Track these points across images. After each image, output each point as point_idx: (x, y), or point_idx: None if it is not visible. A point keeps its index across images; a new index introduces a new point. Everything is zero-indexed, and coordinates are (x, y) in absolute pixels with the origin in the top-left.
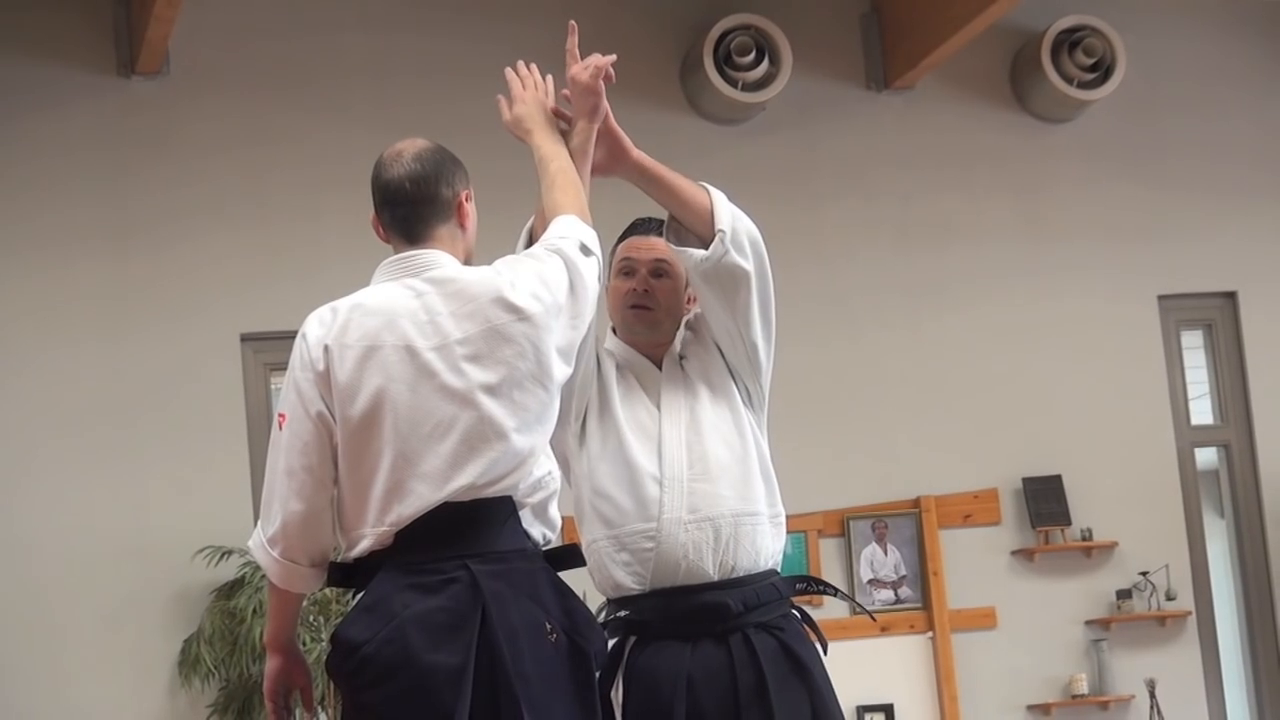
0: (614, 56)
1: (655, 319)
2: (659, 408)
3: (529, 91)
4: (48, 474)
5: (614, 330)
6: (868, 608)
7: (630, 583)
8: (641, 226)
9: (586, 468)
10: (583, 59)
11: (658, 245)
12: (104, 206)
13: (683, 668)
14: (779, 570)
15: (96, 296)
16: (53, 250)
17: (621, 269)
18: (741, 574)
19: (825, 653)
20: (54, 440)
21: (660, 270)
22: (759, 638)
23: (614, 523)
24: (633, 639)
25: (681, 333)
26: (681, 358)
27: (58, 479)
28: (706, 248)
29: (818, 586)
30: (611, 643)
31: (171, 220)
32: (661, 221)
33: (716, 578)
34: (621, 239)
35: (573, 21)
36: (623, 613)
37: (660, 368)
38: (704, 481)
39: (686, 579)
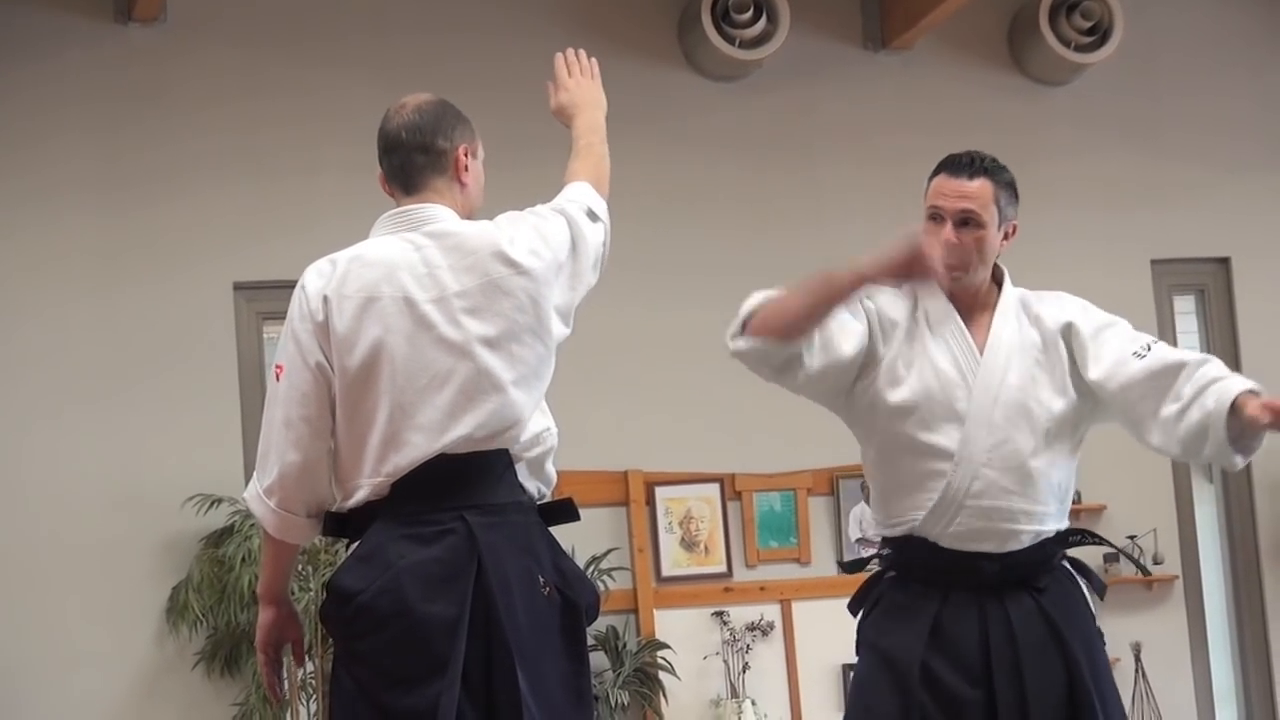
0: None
1: (960, 274)
2: (974, 378)
3: (574, 78)
4: (40, 422)
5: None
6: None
7: (890, 530)
8: (952, 165)
9: (869, 433)
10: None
11: (968, 190)
12: (98, 154)
13: (930, 615)
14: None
15: (90, 244)
16: (46, 200)
17: (929, 213)
18: (1005, 551)
19: (1102, 598)
20: (46, 389)
21: (967, 219)
22: (1014, 598)
23: (888, 493)
24: (892, 573)
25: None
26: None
27: (49, 427)
28: None
29: (1092, 539)
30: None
31: (166, 170)
32: (977, 159)
33: (979, 553)
34: (933, 175)
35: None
36: (886, 551)
37: (971, 316)
38: (998, 470)
39: (951, 545)
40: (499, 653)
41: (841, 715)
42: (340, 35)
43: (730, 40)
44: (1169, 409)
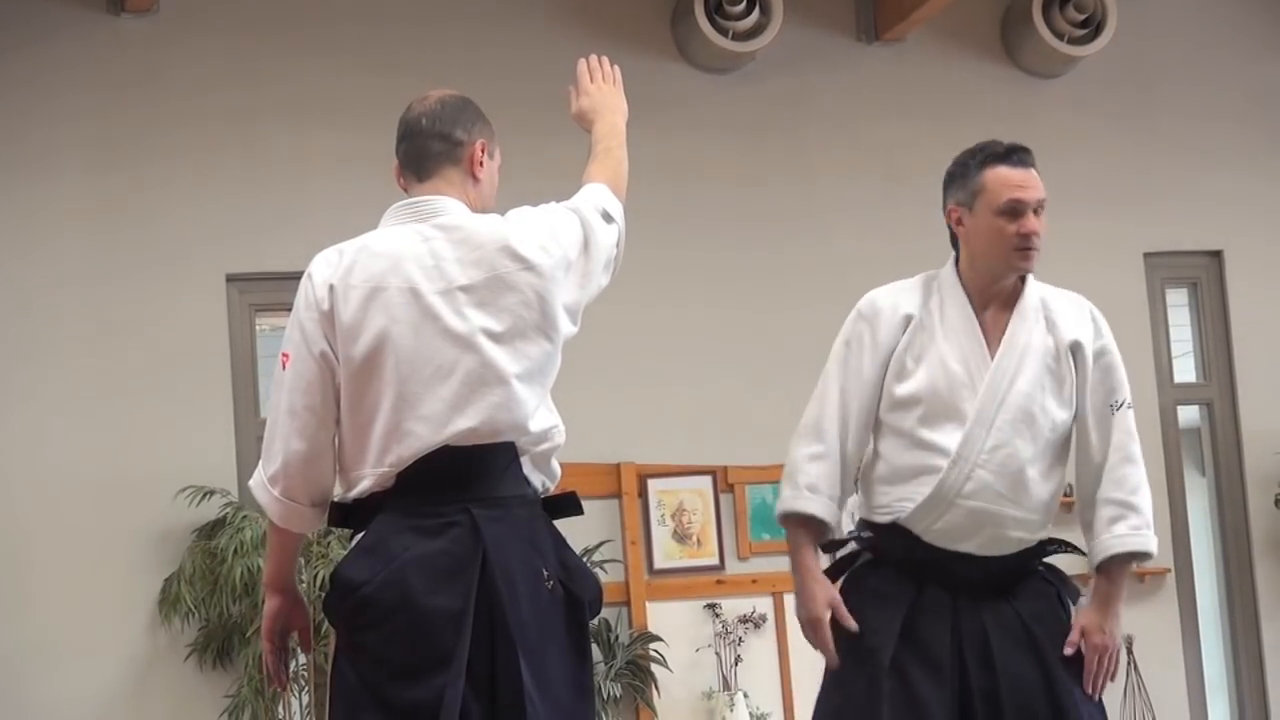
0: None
1: (1038, 259)
2: (983, 381)
3: (596, 84)
4: (30, 412)
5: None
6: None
7: (875, 515)
8: (1014, 157)
9: (897, 422)
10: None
11: (1036, 181)
12: (90, 145)
13: (905, 602)
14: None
15: (81, 235)
16: (37, 189)
17: (1007, 208)
18: (988, 555)
19: (1075, 604)
20: (38, 379)
21: (1041, 208)
22: (990, 604)
23: (884, 480)
24: (869, 555)
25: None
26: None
27: (40, 417)
28: None
29: (1070, 549)
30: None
31: (158, 160)
32: (1029, 150)
33: (961, 554)
34: (981, 164)
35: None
36: (867, 534)
37: (991, 310)
38: (993, 473)
39: (935, 541)
40: (503, 646)
41: None
42: (332, 25)
43: (723, 32)
44: (1091, 501)
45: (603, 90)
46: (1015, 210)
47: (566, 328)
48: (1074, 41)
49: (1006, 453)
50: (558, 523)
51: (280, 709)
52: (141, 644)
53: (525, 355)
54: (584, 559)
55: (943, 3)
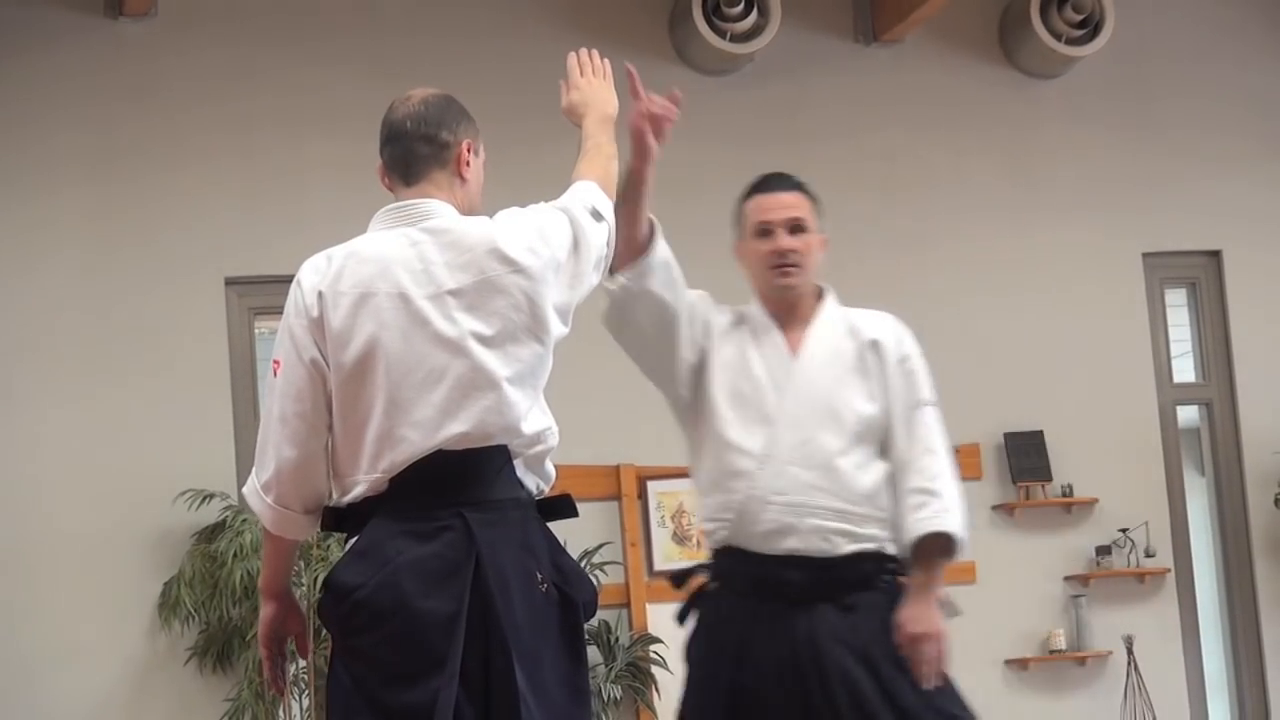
0: (675, 93)
1: (800, 275)
2: (786, 381)
3: (586, 78)
4: (30, 416)
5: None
6: None
7: (717, 536)
8: (766, 184)
9: (697, 437)
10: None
11: (788, 201)
12: (89, 149)
13: (739, 632)
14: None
15: (80, 239)
16: (36, 192)
17: (757, 230)
18: (815, 556)
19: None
20: (36, 382)
21: (797, 226)
22: (824, 615)
23: (704, 492)
24: (713, 584)
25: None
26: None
27: (40, 421)
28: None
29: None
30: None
31: (156, 164)
32: (789, 175)
33: (789, 555)
34: (746, 196)
35: (631, 67)
36: (713, 561)
37: (792, 328)
38: (802, 467)
39: (760, 549)
40: (497, 649)
41: None
42: (331, 30)
43: (721, 34)
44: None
45: (593, 84)
46: (765, 231)
47: (557, 329)
48: (1072, 42)
49: (814, 446)
50: (555, 525)
51: (281, 712)
52: (141, 648)
53: (516, 358)
54: (584, 561)
55: (940, 4)
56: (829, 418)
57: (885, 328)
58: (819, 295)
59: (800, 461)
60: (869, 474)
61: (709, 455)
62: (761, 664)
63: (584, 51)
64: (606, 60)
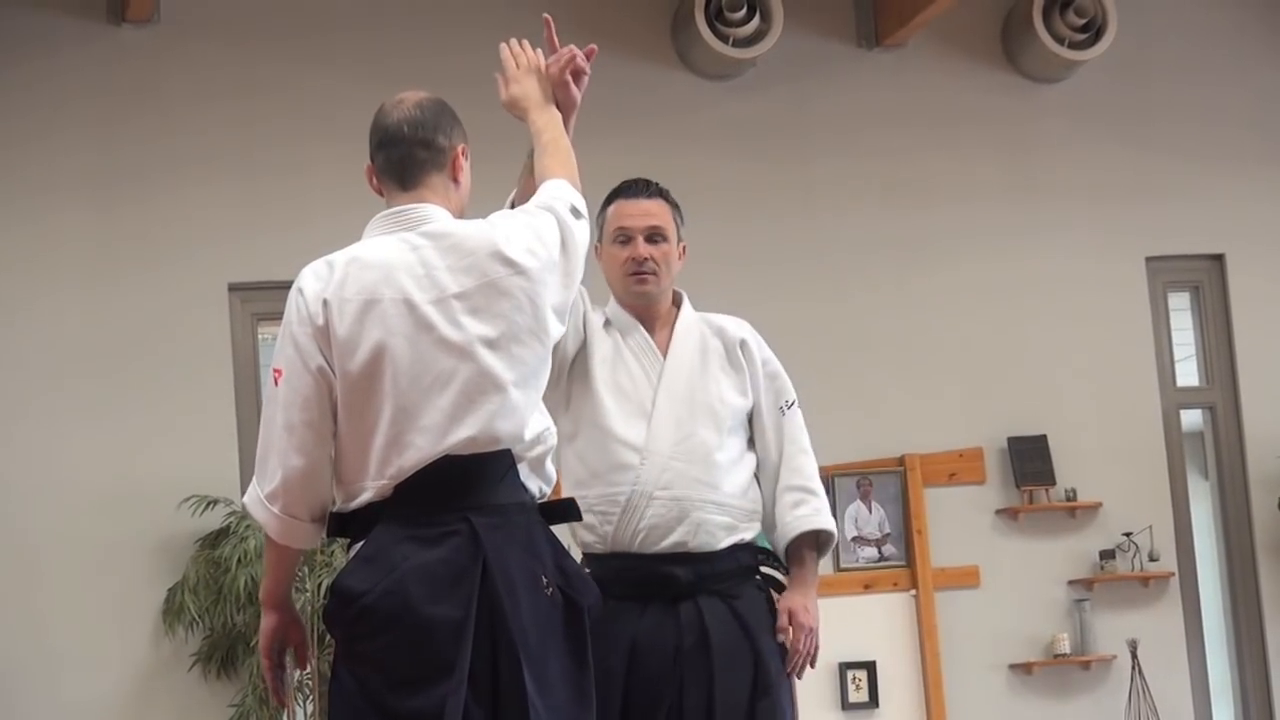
0: (592, 47)
1: (656, 283)
2: (659, 377)
3: (523, 70)
4: (34, 422)
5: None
6: (853, 565)
7: (591, 541)
8: (630, 189)
9: (571, 428)
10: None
11: (650, 209)
12: (91, 154)
13: (630, 630)
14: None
15: (83, 245)
16: (39, 199)
17: (616, 236)
18: (697, 550)
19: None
20: (41, 389)
21: (655, 235)
22: (709, 603)
23: (583, 484)
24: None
25: (708, 326)
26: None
27: (44, 427)
28: None
29: (772, 561)
30: None
31: (159, 169)
32: (651, 183)
33: (672, 552)
34: (609, 201)
35: (547, 15)
36: (587, 569)
37: (654, 331)
38: (685, 461)
39: (642, 549)
40: (505, 654)
41: (837, 714)
42: (332, 34)
43: (723, 39)
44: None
45: (531, 77)
46: (624, 237)
47: (556, 329)
48: (1074, 46)
49: (695, 441)
50: (556, 528)
51: (284, 718)
52: (145, 653)
53: (520, 361)
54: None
55: (943, 8)
56: (705, 413)
57: (747, 330)
58: (677, 301)
59: (682, 456)
60: (743, 468)
61: (590, 446)
62: (650, 657)
63: (514, 42)
64: (539, 50)
